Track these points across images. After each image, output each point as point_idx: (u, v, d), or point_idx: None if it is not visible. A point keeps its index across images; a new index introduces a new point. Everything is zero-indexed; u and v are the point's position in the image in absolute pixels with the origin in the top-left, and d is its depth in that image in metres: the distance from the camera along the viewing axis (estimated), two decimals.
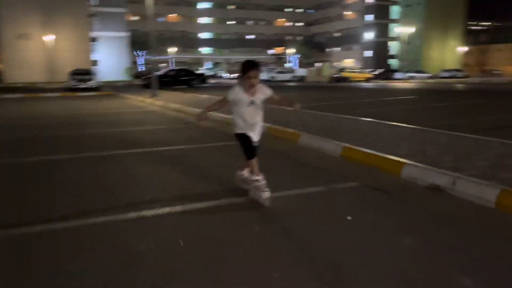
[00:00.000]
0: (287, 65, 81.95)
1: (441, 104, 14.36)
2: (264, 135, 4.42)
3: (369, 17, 72.18)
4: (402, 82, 40.05)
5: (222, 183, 4.57)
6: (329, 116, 9.83)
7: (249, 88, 3.62)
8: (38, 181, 4.85)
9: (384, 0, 71.36)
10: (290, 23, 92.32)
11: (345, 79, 41.55)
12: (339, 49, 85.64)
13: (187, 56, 78.46)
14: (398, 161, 4.90)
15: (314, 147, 6.37)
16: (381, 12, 71.32)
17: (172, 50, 71.69)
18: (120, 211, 3.68)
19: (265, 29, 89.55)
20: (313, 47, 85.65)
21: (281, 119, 8.68)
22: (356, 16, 79.24)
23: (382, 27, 71.72)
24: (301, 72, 55.31)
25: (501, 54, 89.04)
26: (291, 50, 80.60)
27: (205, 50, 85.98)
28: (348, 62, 79.75)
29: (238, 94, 3.67)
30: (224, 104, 3.85)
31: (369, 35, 70.19)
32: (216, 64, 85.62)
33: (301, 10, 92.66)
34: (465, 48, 71.01)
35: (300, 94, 21.76)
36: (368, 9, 72.32)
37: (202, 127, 8.77)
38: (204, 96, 18.73)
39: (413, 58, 69.82)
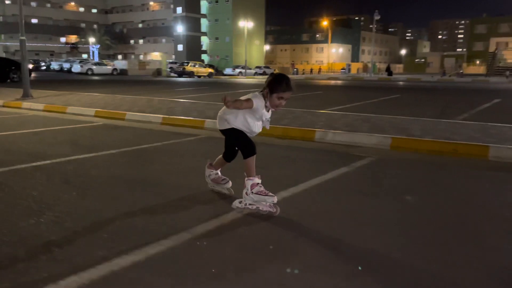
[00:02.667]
0: (84, 56, 72.00)
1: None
2: None
3: (180, 10, 69.64)
4: (243, 78, 39.52)
5: None
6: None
7: (274, 107, 3.13)
8: None
9: None
10: (83, 9, 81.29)
11: (189, 74, 38.22)
12: (144, 41, 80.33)
13: None
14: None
15: None
16: (192, 6, 69.80)
17: None
18: None
19: (54, 13, 76.25)
20: (114, 38, 77.73)
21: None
22: (163, 8, 75.63)
23: (194, 21, 70.32)
24: (121, 65, 48.84)
25: (285, 53, 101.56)
26: (89, 39, 70.88)
27: None
28: (156, 56, 75.73)
29: (261, 107, 3.10)
30: (247, 107, 3.06)
31: (180, 29, 67.66)
32: None
33: None
34: (268, 47, 76.72)
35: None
36: (178, 1, 69.69)
37: None
38: (122, 96, 12.89)
39: (224, 54, 71.29)
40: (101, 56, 73.26)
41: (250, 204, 3.16)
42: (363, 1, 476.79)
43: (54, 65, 49.39)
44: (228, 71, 48.33)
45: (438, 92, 18.29)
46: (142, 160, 4.96)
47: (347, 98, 14.26)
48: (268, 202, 3.10)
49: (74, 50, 76.26)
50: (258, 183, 3.14)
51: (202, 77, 39.31)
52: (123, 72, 47.69)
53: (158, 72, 49.91)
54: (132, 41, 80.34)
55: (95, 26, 78.79)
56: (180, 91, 17.02)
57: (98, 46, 72.50)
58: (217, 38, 72.56)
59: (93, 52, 71.37)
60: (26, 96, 11.84)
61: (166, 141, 6.14)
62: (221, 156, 3.51)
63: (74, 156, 4.99)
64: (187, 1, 69.04)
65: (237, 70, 48.30)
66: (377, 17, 37.01)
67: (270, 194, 3.10)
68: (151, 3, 77.36)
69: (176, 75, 39.57)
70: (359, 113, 8.67)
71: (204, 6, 72.56)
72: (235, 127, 3.18)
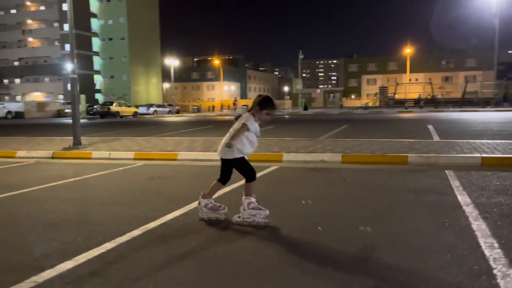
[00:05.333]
0: None
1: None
2: None
3: (69, 47, 64.14)
4: (173, 116, 38.02)
5: None
6: None
7: (262, 121, 3.83)
8: None
9: (83, 31, 65.46)
10: None
11: (115, 114, 35.22)
12: (22, 80, 71.54)
13: None
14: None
15: None
16: (82, 43, 65.02)
17: None
18: None
19: None
20: None
21: None
22: (45, 44, 68.97)
23: (86, 59, 65.41)
24: (16, 106, 42.80)
25: (176, 91, 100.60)
26: None
27: None
28: (38, 96, 68.17)
29: (255, 124, 3.81)
30: (245, 132, 3.81)
31: (70, 67, 62.18)
32: None
33: None
34: (167, 85, 75.27)
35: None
36: (66, 38, 64.23)
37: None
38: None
39: (122, 93, 67.62)
40: None
41: (247, 218, 3.78)
42: (234, 43, 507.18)
43: None
44: (142, 110, 45.74)
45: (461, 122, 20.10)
46: None
47: (389, 129, 14.45)
48: (262, 215, 3.76)
49: None
50: (253, 201, 3.79)
51: (124, 117, 36.66)
52: (18, 115, 41.76)
53: (59, 113, 44.98)
54: (6, 81, 70.90)
55: None
56: (194, 131, 15.74)
57: None
58: (112, 77, 68.58)
59: None
60: (78, 144, 9.73)
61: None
62: (215, 182, 3.97)
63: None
64: (77, 38, 64.11)
65: (152, 109, 46.17)
66: (301, 56, 39.78)
67: (263, 208, 3.82)
68: (30, 39, 69.91)
69: (97, 116, 36.04)
70: None
71: (96, 44, 68.34)
72: (242, 155, 3.79)
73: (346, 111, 39.37)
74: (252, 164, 7.47)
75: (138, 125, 21.98)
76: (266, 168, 6.90)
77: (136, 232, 3.58)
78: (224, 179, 3.95)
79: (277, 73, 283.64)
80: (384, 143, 8.94)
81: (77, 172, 7.02)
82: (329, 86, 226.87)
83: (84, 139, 11.11)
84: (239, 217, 3.82)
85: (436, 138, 10.33)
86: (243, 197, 3.82)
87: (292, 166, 7.22)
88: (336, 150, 8.11)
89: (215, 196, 4.07)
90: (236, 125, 3.80)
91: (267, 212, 3.78)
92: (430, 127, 14.02)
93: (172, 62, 41.54)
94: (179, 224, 3.85)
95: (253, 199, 3.80)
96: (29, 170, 7.53)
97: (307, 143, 9.38)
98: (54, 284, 2.60)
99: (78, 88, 9.97)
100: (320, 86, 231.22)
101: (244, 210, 3.80)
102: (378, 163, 7.18)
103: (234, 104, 53.10)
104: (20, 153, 9.58)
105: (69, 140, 10.86)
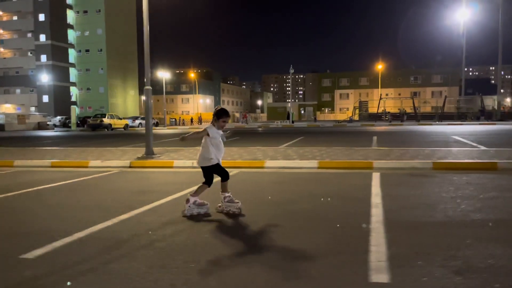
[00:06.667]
0: None
1: None
2: None
3: (45, 58, 62.54)
4: (165, 129, 37.77)
5: None
6: None
7: (221, 127, 4.75)
8: None
9: (60, 41, 63.95)
10: None
11: (107, 127, 34.62)
12: None
13: None
14: None
15: None
16: (58, 54, 63.49)
17: None
18: None
19: None
20: None
21: None
22: (17, 55, 66.69)
23: (62, 71, 63.79)
24: None
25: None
26: None
27: None
28: (9, 108, 65.62)
29: (215, 131, 4.72)
30: (203, 136, 4.75)
31: (46, 78, 60.53)
32: None
33: None
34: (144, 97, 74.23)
35: None
36: (41, 49, 62.61)
37: None
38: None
39: (98, 105, 66.30)
40: None
41: (225, 208, 4.76)
42: (200, 57, 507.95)
43: None
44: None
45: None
46: None
47: (425, 141, 15.42)
48: (235, 206, 4.71)
49: None
50: (229, 196, 4.75)
51: (114, 129, 36.10)
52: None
53: (40, 126, 43.66)
54: None
55: None
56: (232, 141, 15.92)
57: None
58: (89, 89, 67.16)
59: None
60: (151, 153, 9.86)
61: None
62: (201, 184, 4.81)
63: None
64: (53, 49, 62.66)
65: (137, 121, 45.74)
66: (291, 71, 40.88)
67: (237, 201, 4.75)
68: (1, 49, 67.49)
69: (88, 128, 35.29)
70: None
71: (71, 55, 66.86)
72: (213, 163, 4.65)
73: (336, 124, 40.56)
74: (349, 170, 7.95)
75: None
76: (372, 175, 7.36)
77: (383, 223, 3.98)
78: (208, 182, 4.82)
79: (244, 86, 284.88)
80: (450, 152, 9.66)
81: (187, 179, 7.22)
82: (297, 100, 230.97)
83: (118, 150, 11.19)
84: (219, 207, 4.81)
85: (482, 147, 11.18)
86: (220, 192, 4.77)
87: (391, 172, 7.72)
88: (418, 157, 8.72)
89: (201, 195, 4.84)
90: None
91: (240, 204, 4.71)
92: (459, 137, 15.02)
93: (164, 74, 41.37)
94: (392, 212, 4.26)
95: (229, 194, 4.74)
96: (131, 178, 7.63)
97: (380, 152, 9.97)
98: None
99: (151, 101, 10.11)
100: (288, 100, 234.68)
101: (222, 202, 4.77)
102: (469, 169, 7.81)
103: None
104: (93, 163, 9.59)
105: (120, 150, 10.87)
